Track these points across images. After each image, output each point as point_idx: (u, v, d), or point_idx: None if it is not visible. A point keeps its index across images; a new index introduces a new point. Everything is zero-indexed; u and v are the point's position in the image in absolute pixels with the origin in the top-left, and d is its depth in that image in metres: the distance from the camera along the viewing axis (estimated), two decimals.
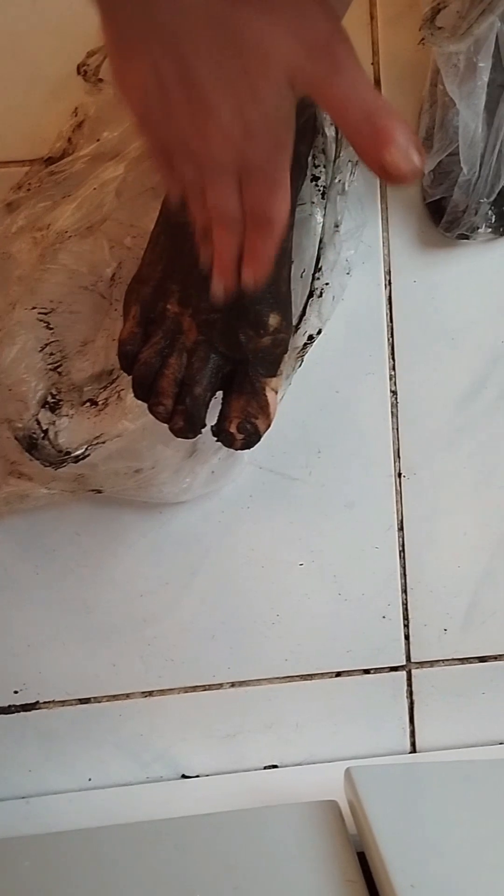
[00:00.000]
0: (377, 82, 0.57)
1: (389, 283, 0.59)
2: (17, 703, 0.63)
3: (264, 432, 0.48)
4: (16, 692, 0.63)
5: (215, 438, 0.48)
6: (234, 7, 0.32)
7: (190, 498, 0.59)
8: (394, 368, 0.60)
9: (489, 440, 0.62)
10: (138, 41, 0.34)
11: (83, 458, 0.53)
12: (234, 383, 0.48)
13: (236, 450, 0.48)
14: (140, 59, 0.34)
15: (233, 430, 0.47)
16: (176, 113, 0.35)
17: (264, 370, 0.48)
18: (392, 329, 0.60)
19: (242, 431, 0.47)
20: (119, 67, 0.35)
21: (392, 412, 0.61)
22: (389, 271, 0.59)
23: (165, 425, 0.48)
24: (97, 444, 0.53)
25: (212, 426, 0.49)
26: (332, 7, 0.35)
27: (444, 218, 0.57)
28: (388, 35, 0.57)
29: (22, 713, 0.63)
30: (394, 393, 0.61)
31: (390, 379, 0.61)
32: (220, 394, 0.49)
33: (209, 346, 0.47)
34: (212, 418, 0.49)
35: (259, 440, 0.48)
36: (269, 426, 0.49)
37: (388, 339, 0.60)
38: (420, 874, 0.46)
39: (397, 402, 0.61)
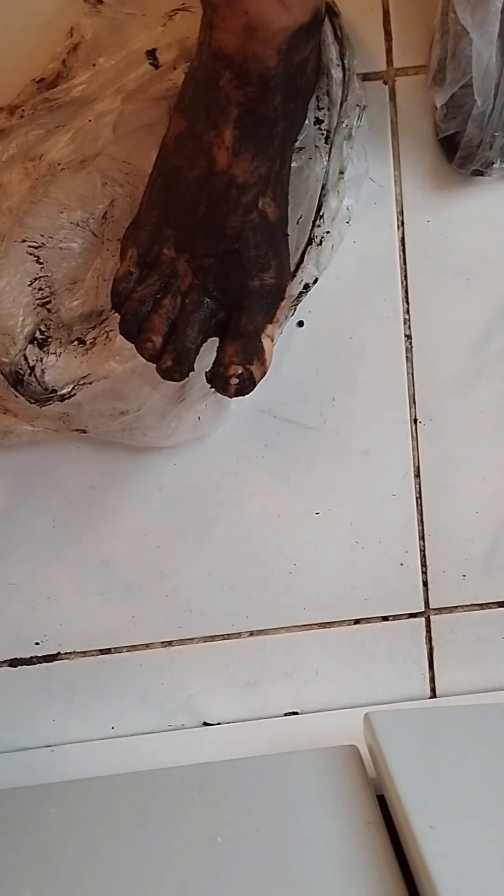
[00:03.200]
0: (386, 13, 0.55)
1: (402, 224, 0.58)
2: (39, 655, 0.64)
3: (259, 379, 0.48)
4: (37, 643, 0.63)
5: (209, 384, 0.48)
6: None
7: (175, 443, 0.58)
8: (408, 312, 0.59)
9: None
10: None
11: (69, 398, 0.52)
12: (228, 329, 0.48)
13: (230, 396, 0.48)
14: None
15: (227, 375, 0.47)
16: None
17: (260, 316, 0.48)
18: (406, 271, 0.58)
19: (237, 377, 0.47)
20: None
21: (407, 357, 0.60)
22: (402, 211, 0.57)
23: (153, 368, 0.48)
24: (84, 383, 0.52)
25: (206, 372, 0.48)
26: None
27: (457, 154, 0.55)
28: None
29: (44, 664, 0.64)
30: (408, 337, 0.60)
31: (404, 323, 0.59)
32: (214, 342, 0.49)
33: (204, 291, 0.47)
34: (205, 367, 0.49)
35: (254, 387, 0.48)
36: (264, 373, 0.48)
37: (402, 282, 0.59)
38: (439, 815, 0.46)
39: (412, 347, 0.60)
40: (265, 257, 0.47)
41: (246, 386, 0.47)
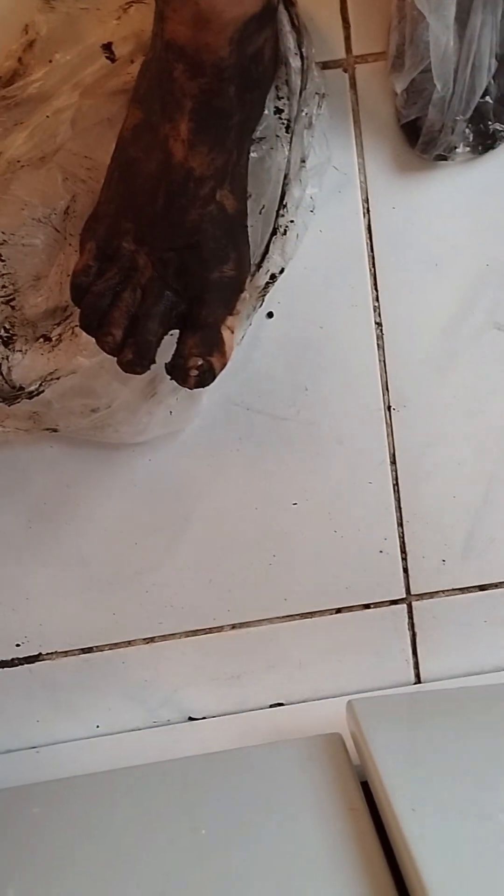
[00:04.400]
0: (343, 0, 0.55)
1: (368, 212, 0.58)
2: (21, 656, 0.64)
3: (219, 371, 0.48)
4: (18, 645, 0.63)
5: (169, 376, 0.48)
6: None
7: (146, 439, 0.58)
8: (377, 299, 0.59)
9: (479, 367, 0.61)
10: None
11: (37, 395, 0.52)
12: (189, 321, 0.48)
13: (190, 388, 0.48)
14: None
15: (187, 366, 0.47)
16: None
17: (220, 308, 0.48)
18: (373, 259, 0.58)
19: (196, 368, 0.47)
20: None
21: (378, 344, 0.60)
22: (367, 199, 0.57)
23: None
24: (51, 379, 0.52)
25: (166, 363, 0.48)
26: None
27: (420, 139, 0.55)
28: None
29: (26, 665, 0.64)
30: (379, 324, 0.60)
31: (374, 310, 0.59)
32: (176, 333, 0.49)
33: (164, 284, 0.47)
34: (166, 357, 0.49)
35: (213, 379, 0.48)
36: (224, 365, 0.48)
37: (370, 270, 0.59)
38: (421, 798, 0.46)
39: (383, 334, 0.60)
40: (224, 249, 0.47)
41: (206, 377, 0.47)
